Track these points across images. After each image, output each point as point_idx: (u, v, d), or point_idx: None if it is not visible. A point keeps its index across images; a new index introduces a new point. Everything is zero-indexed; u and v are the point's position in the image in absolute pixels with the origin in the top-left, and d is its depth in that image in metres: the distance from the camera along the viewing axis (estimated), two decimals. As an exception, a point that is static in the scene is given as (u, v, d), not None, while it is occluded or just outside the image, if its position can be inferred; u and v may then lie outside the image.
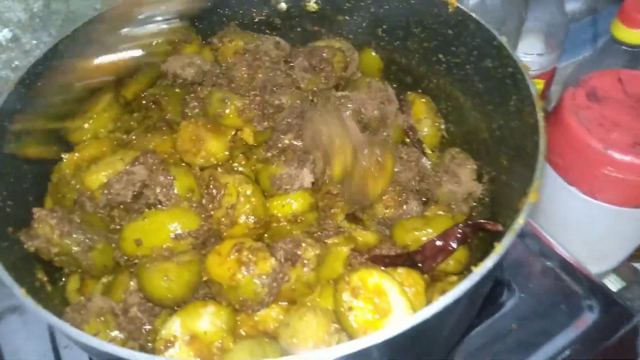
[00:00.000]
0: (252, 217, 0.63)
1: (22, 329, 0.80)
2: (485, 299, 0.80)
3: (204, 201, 0.64)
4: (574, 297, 0.79)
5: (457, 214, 0.69)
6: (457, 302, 0.44)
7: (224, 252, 0.59)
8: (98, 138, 0.74)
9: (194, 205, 0.64)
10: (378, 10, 0.79)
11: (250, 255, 0.58)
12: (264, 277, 0.57)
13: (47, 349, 0.78)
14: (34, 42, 0.93)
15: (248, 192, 0.63)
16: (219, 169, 0.67)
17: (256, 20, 0.85)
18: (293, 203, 0.66)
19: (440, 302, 0.42)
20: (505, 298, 0.80)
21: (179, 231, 0.61)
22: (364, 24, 0.82)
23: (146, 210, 0.63)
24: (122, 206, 0.65)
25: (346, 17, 0.83)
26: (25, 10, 0.90)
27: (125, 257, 0.62)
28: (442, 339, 0.60)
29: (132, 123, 0.78)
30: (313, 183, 0.67)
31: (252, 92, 0.71)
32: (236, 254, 0.58)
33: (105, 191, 0.64)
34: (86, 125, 0.73)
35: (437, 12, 0.72)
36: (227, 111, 0.69)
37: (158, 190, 0.63)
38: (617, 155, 0.74)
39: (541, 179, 0.51)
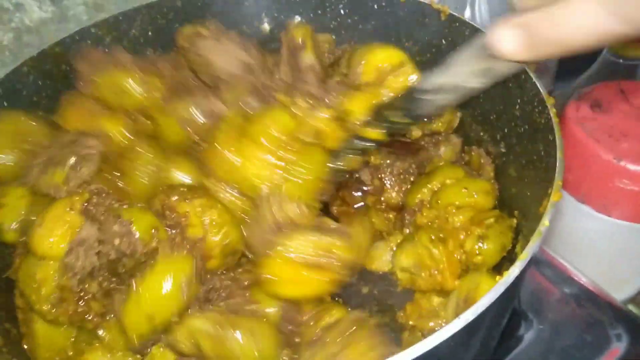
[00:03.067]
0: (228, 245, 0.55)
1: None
2: (502, 333, 0.72)
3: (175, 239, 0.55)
4: (598, 326, 0.71)
5: None
6: (480, 319, 0.36)
7: None
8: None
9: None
10: (366, 27, 0.76)
11: None
12: None
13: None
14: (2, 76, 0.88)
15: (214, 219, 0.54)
16: (175, 197, 0.55)
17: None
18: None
19: (462, 319, 0.35)
20: (523, 331, 0.72)
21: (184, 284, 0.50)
22: (352, 42, 0.78)
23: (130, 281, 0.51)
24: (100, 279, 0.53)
25: (333, 37, 0.79)
26: (-5, 42, 0.86)
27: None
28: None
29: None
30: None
31: None
32: None
33: (69, 274, 0.51)
34: None
35: (428, 22, 0.68)
36: None
37: (117, 242, 0.51)
38: (631, 166, 0.68)
39: (561, 178, 0.45)
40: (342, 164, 0.59)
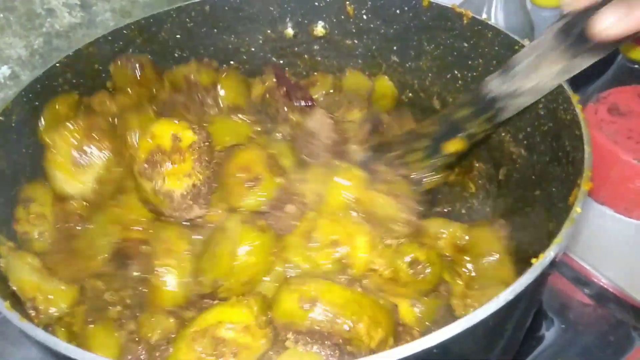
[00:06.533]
0: None
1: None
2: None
3: None
4: (621, 326, 0.71)
5: None
6: (514, 304, 0.37)
7: None
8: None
9: None
10: (388, 31, 0.77)
11: None
12: None
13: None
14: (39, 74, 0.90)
15: None
16: None
17: (263, 47, 0.83)
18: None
19: (501, 298, 0.36)
20: (544, 330, 0.72)
21: None
22: (374, 47, 0.80)
23: None
24: None
25: (355, 41, 0.81)
26: (26, 46, 0.88)
27: None
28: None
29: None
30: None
31: None
32: None
33: None
34: None
35: (450, 25, 0.70)
36: None
37: None
38: (652, 167, 0.69)
39: (590, 169, 0.46)
40: (424, 185, 0.61)
